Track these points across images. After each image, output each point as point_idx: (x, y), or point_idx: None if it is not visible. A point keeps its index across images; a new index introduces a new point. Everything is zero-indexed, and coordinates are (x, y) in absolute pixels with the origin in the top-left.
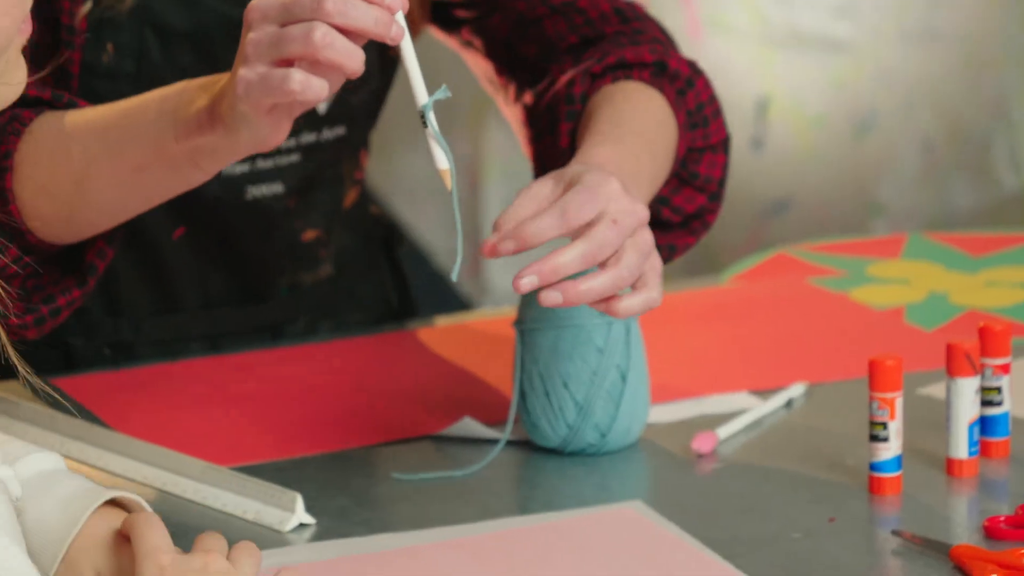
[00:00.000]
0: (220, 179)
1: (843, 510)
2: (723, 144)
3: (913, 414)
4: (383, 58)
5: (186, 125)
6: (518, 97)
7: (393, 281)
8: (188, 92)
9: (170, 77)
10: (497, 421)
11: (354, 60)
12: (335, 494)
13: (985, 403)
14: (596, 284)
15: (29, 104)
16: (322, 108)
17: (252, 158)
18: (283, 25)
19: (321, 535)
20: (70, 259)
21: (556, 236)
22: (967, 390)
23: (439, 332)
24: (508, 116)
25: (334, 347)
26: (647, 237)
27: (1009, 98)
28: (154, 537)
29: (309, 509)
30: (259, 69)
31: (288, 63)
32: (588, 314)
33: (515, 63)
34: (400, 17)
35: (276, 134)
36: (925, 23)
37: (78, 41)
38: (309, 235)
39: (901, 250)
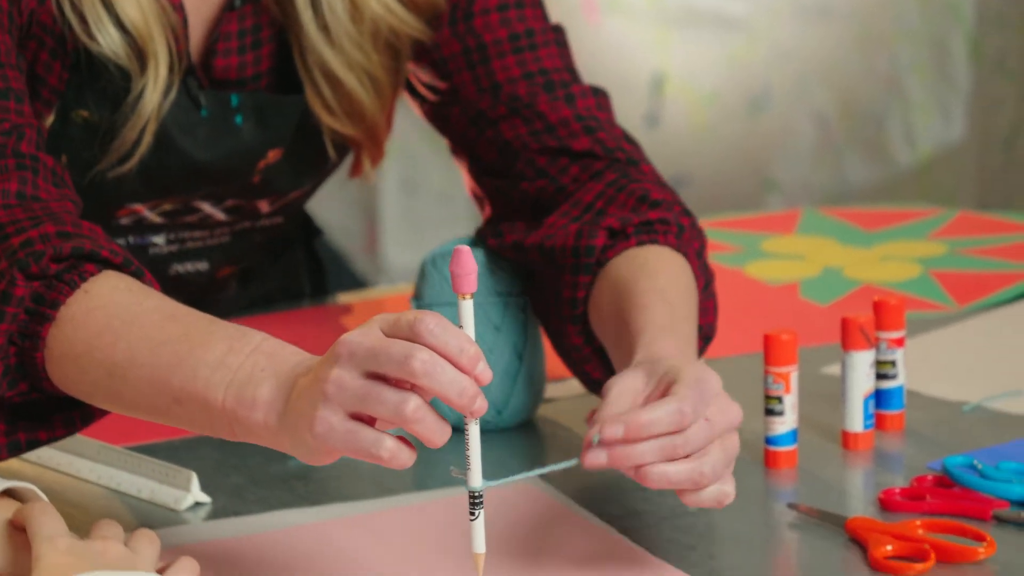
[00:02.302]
0: (147, 257)
1: (739, 484)
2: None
3: (808, 388)
4: (321, 157)
5: (238, 401)
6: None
7: (308, 268)
8: (256, 364)
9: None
10: None
11: (442, 438)
12: (230, 472)
13: (880, 376)
14: (672, 472)
15: (95, 259)
16: (265, 208)
17: (182, 239)
18: (368, 375)
19: (217, 513)
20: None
21: (667, 433)
22: (862, 364)
23: (340, 310)
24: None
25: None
26: (735, 441)
27: (903, 75)
28: (50, 525)
29: (204, 488)
30: (344, 420)
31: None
32: (485, 292)
33: (477, 164)
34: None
35: (328, 461)
36: (819, 1)
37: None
38: (225, 271)
39: (796, 225)
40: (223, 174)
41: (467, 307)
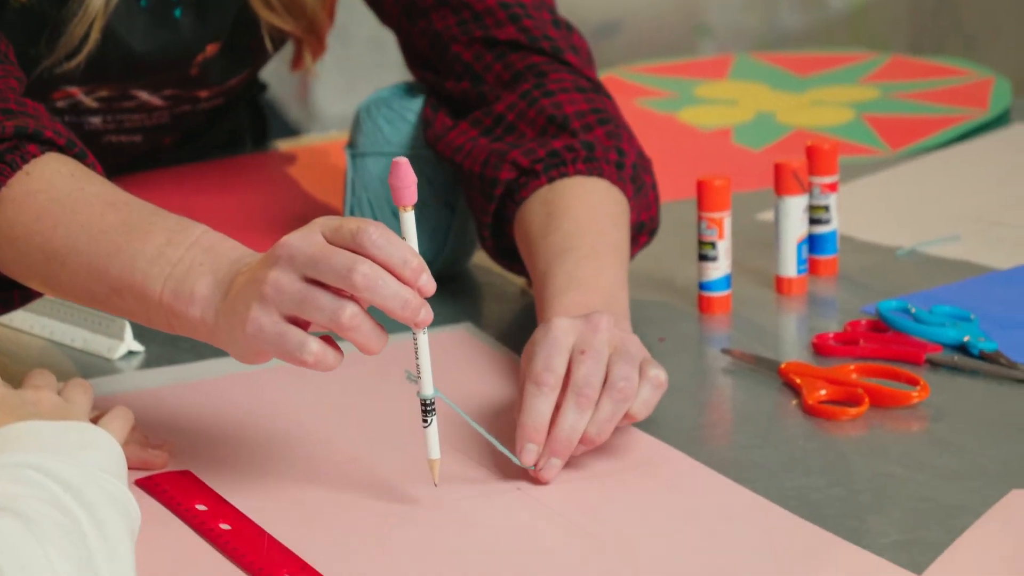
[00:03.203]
0: (82, 131)
1: (673, 330)
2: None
3: (742, 234)
4: (260, 49)
5: (176, 296)
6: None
7: (251, 124)
8: (194, 259)
9: None
10: None
11: (378, 345)
12: None
13: (813, 221)
14: (605, 416)
15: (38, 140)
16: (204, 95)
17: (119, 120)
18: (307, 279)
19: (150, 362)
20: None
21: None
22: (795, 209)
23: (283, 158)
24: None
25: (173, 173)
26: (630, 347)
27: None
28: None
29: (138, 337)
30: (276, 321)
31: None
32: (418, 145)
33: (410, 53)
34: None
35: (260, 361)
36: None
37: None
38: (164, 142)
39: (728, 71)
40: (161, 66)
41: (409, 219)
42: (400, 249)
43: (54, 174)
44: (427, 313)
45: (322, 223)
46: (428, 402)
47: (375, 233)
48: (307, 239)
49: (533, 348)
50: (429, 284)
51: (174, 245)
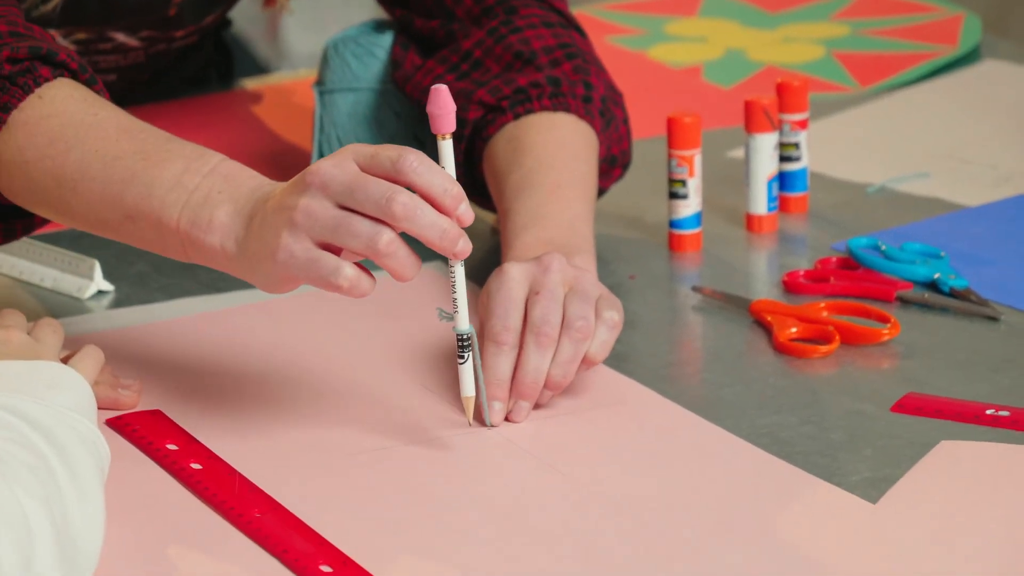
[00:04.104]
0: None
1: (643, 268)
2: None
3: (712, 172)
4: None
5: (193, 224)
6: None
7: (215, 59)
8: (212, 186)
9: None
10: None
11: (413, 271)
12: (134, 260)
13: (783, 159)
14: (567, 356)
15: (51, 62)
16: (180, 34)
17: (95, 62)
18: (341, 206)
19: (120, 302)
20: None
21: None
22: (765, 146)
23: (248, 97)
24: None
25: (140, 112)
26: (585, 285)
27: None
28: None
29: (108, 276)
30: (308, 248)
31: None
32: (388, 79)
33: None
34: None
35: (285, 290)
36: None
37: None
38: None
39: (698, 8)
40: (140, 8)
41: (447, 147)
42: (441, 177)
43: (67, 99)
44: (465, 243)
45: (353, 151)
46: (464, 337)
47: (415, 160)
48: (340, 167)
49: (488, 300)
50: (468, 213)
51: (191, 173)
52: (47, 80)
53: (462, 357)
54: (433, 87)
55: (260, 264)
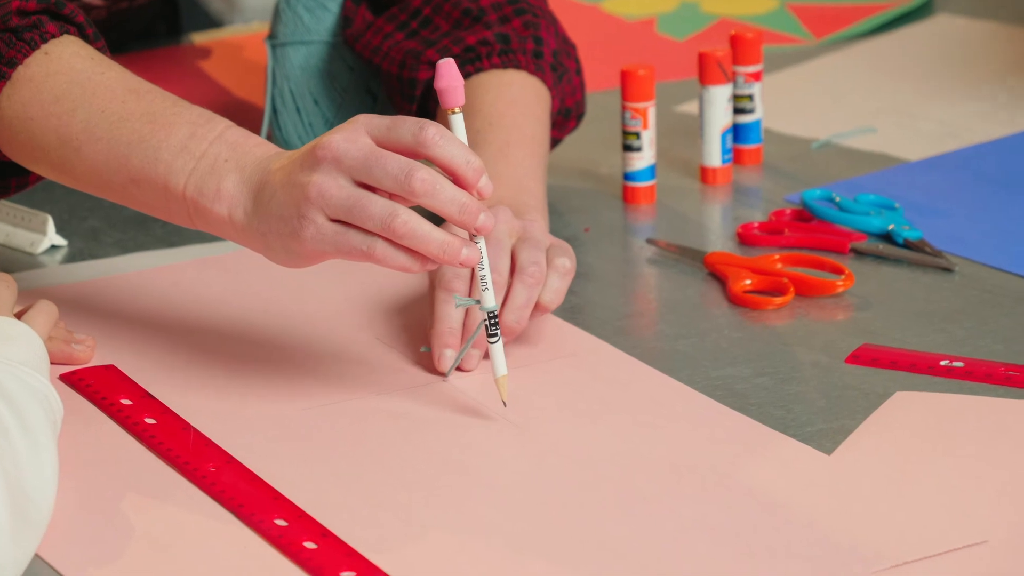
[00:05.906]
0: None
1: (598, 220)
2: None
3: (666, 124)
4: None
5: (200, 191)
6: None
7: (165, 14)
8: (219, 154)
9: None
10: None
11: (432, 248)
12: (86, 216)
13: (738, 111)
14: (520, 302)
15: (57, 17)
16: None
17: None
18: (358, 183)
19: (73, 257)
20: None
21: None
22: (719, 98)
23: (198, 52)
24: None
25: None
26: (535, 232)
27: None
28: None
29: (61, 231)
30: (330, 222)
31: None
32: (340, 32)
33: None
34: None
35: (305, 264)
36: None
37: None
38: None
39: None
40: None
41: (457, 120)
42: (462, 148)
43: (73, 56)
44: (487, 217)
45: (366, 122)
46: (494, 315)
47: (436, 132)
48: (354, 141)
49: None
50: (488, 186)
51: (198, 138)
52: (53, 36)
53: (493, 336)
54: (440, 62)
55: (281, 241)
